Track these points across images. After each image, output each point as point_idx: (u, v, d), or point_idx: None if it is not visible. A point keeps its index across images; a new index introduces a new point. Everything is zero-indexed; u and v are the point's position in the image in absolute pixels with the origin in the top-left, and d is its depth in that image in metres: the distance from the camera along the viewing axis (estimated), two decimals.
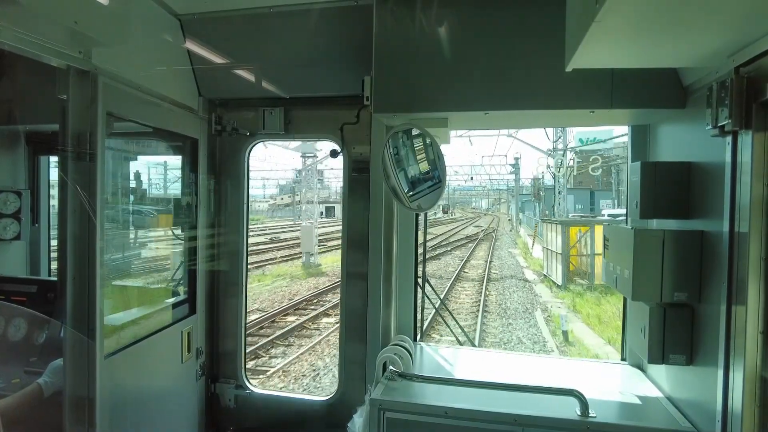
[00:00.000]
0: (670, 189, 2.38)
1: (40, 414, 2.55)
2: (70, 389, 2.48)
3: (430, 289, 3.94)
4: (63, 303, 2.47)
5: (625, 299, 3.07)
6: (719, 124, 1.90)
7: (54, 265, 4.21)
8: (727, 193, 1.93)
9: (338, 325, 3.80)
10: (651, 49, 1.92)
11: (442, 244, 33.82)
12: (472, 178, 51.91)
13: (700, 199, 2.27)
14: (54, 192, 4.31)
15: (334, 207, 78.65)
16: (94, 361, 2.50)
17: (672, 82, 2.43)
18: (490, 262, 26.48)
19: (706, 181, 2.19)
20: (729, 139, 1.92)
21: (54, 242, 4.23)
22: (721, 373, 1.95)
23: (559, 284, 19.65)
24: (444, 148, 2.95)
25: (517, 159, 49.20)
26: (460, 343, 3.88)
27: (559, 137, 27.08)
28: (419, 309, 3.61)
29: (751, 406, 1.82)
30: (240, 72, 3.49)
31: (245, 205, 3.75)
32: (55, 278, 3.70)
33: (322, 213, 79.03)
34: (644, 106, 2.51)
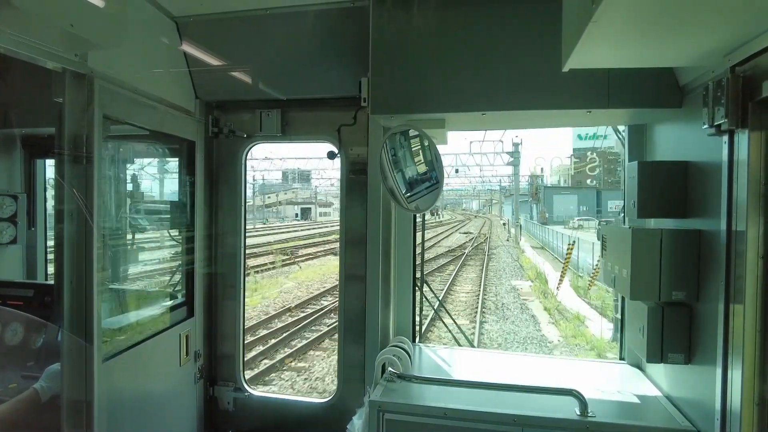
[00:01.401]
0: (667, 188, 2.39)
1: (38, 419, 2.54)
2: (67, 393, 2.47)
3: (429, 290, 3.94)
4: (60, 307, 2.46)
5: (623, 299, 3.08)
6: (716, 123, 1.91)
7: (51, 269, 4.20)
8: (724, 191, 1.94)
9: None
10: (647, 49, 1.93)
11: None
12: (457, 171, 43.01)
13: (697, 198, 2.28)
14: (50, 195, 4.30)
15: (310, 208, 73.71)
16: (91, 365, 2.49)
17: (668, 82, 2.43)
18: (482, 322, 13.82)
19: (703, 180, 2.19)
20: (725, 138, 1.92)
21: (51, 245, 4.22)
22: (719, 371, 1.96)
23: None
24: None
25: (516, 145, 39.40)
26: (458, 343, 3.88)
27: None
28: (418, 310, 3.61)
29: (749, 405, 1.82)
30: (237, 74, 3.48)
31: (242, 207, 3.74)
32: (51, 282, 3.69)
33: (297, 215, 73.76)
34: (641, 105, 2.52)
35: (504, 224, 58.66)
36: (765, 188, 1.80)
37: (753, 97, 1.79)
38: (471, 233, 47.30)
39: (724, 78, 1.85)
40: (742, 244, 1.85)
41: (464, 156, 42.76)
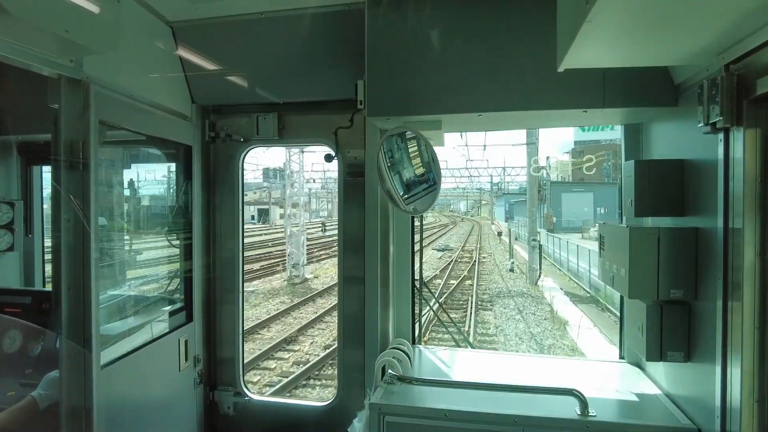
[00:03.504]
0: (664, 187, 2.40)
1: (36, 427, 2.52)
2: (66, 401, 2.45)
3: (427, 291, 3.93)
4: (58, 313, 2.45)
5: (622, 297, 3.08)
6: (711, 122, 1.91)
7: (48, 274, 4.18)
8: (720, 189, 1.95)
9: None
10: (642, 48, 1.93)
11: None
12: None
13: (693, 196, 2.29)
14: (47, 202, 4.28)
15: (268, 209, 66.33)
16: (90, 371, 2.48)
17: (663, 81, 2.44)
18: None
19: (700, 178, 2.20)
20: (721, 136, 1.93)
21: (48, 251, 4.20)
22: (718, 369, 1.96)
23: None
24: None
25: None
26: (458, 345, 3.87)
27: None
28: (417, 312, 3.60)
29: (749, 401, 1.83)
30: (233, 78, 3.48)
31: (240, 212, 3.74)
32: (49, 289, 3.67)
33: (253, 217, 67.16)
34: (636, 104, 2.52)
35: (499, 234, 42.51)
36: (761, 185, 1.81)
37: (747, 95, 1.79)
38: (450, 249, 31.79)
39: (719, 76, 1.86)
40: (739, 241, 1.85)
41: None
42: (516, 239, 28.28)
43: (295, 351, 11.90)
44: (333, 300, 16.61)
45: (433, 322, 12.85)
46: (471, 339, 13.60)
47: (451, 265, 24.38)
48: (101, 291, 2.63)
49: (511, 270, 24.01)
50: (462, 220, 77.10)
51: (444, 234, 47.28)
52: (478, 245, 35.71)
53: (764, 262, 1.81)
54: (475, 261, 26.63)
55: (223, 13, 3.11)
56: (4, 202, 3.78)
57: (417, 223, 3.62)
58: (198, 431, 3.61)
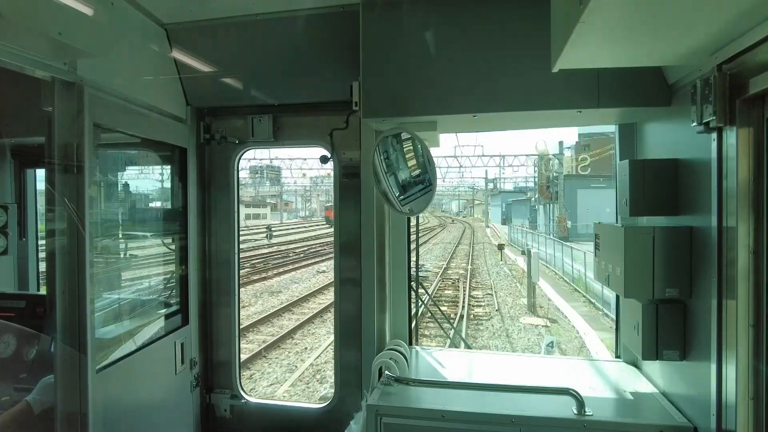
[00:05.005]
0: (658, 186, 2.41)
1: None
2: (61, 405, 2.44)
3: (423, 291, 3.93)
4: (53, 317, 2.43)
5: (617, 297, 3.09)
6: (704, 121, 1.93)
7: (43, 276, 4.16)
8: (714, 188, 1.96)
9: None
10: (635, 49, 1.95)
11: None
12: None
13: (688, 195, 2.30)
14: (41, 205, 4.26)
15: None
16: (85, 375, 2.47)
17: (657, 81, 2.46)
18: None
19: (694, 178, 2.22)
20: (714, 135, 1.94)
21: (42, 256, 4.18)
22: (714, 367, 1.97)
23: None
24: None
25: None
26: (455, 345, 3.88)
27: None
28: (413, 313, 3.60)
29: (744, 399, 1.84)
30: (228, 80, 3.48)
31: (235, 214, 3.73)
32: (44, 293, 3.65)
33: None
34: (630, 104, 2.54)
35: (500, 247, 30.44)
36: (754, 184, 1.82)
37: (740, 95, 1.81)
38: (425, 273, 21.00)
39: (712, 76, 1.88)
40: (732, 239, 1.86)
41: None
42: (539, 257, 16.70)
43: None
44: None
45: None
46: None
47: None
48: (96, 295, 2.62)
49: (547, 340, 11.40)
50: (453, 222, 70.16)
51: (425, 242, 33.38)
52: (470, 266, 23.51)
53: (758, 260, 1.83)
54: (461, 314, 13.99)
55: (218, 14, 3.10)
56: None
57: (413, 223, 3.62)
58: None
